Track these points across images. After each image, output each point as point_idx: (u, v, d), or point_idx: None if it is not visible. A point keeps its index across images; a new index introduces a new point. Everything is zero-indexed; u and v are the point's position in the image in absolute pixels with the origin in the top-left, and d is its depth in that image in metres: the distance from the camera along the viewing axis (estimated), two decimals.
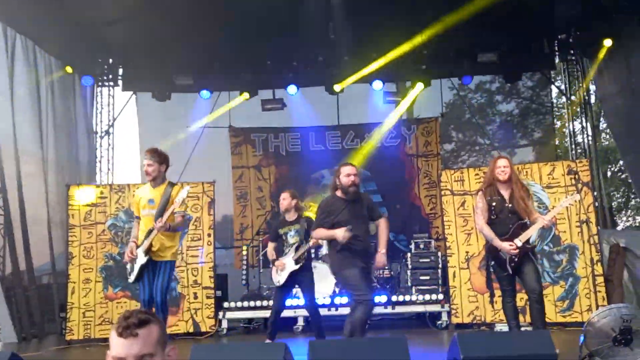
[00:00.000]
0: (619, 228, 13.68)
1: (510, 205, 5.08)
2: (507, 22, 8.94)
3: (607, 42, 8.86)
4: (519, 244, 4.96)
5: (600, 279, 6.99)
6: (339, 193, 5.08)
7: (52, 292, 8.36)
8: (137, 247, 5.16)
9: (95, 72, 9.85)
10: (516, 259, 4.99)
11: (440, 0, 8.25)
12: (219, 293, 8.12)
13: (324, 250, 8.34)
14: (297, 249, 6.01)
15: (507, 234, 5.01)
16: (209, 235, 8.02)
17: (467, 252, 7.47)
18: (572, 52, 10.04)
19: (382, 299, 7.75)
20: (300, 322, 7.76)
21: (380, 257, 5.09)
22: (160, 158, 5.26)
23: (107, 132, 10.20)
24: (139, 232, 5.28)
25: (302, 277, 6.05)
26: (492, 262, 5.19)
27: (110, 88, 10.29)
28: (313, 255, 8.27)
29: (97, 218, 7.83)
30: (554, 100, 12.15)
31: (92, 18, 8.40)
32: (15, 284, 7.72)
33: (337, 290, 7.87)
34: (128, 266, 5.30)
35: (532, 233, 5.07)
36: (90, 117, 10.01)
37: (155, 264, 5.17)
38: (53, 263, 8.47)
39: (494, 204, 5.12)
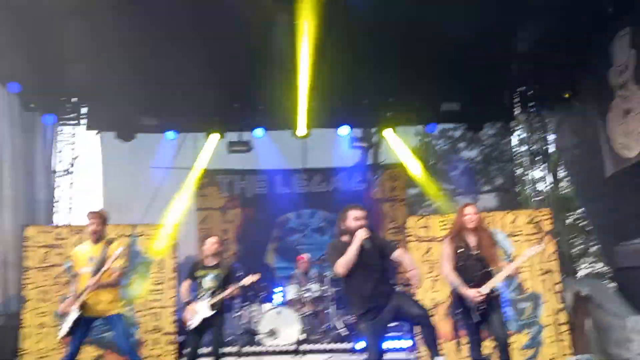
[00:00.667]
0: (579, 275, 13.94)
1: (476, 252, 5.13)
2: (470, 73, 9.24)
3: (565, 95, 9.21)
4: (486, 291, 4.99)
5: (564, 328, 7.07)
6: (345, 238, 4.88)
7: (5, 334, 7.92)
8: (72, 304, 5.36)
9: (58, 110, 9.65)
10: (482, 307, 5.01)
11: (406, 49, 8.46)
12: (180, 338, 7.86)
13: (289, 296, 8.23)
14: (213, 294, 5.96)
15: (473, 282, 5.05)
16: (171, 278, 7.83)
17: (433, 299, 7.45)
18: (531, 104, 10.38)
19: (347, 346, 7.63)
20: None
21: (414, 273, 4.82)
22: (103, 218, 5.75)
23: (68, 171, 9.94)
24: (76, 288, 5.50)
25: (213, 324, 5.99)
26: (459, 310, 5.19)
27: (73, 126, 10.07)
28: (281, 302, 8.16)
29: (54, 260, 7.56)
30: (515, 149, 12.48)
31: (56, 56, 8.28)
32: None
33: (299, 338, 7.71)
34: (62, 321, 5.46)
35: (498, 281, 5.10)
36: (50, 156, 9.75)
37: (110, 318, 5.44)
38: (7, 305, 8.08)
39: (460, 250, 5.17)
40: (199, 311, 5.96)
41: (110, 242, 5.63)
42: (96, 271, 5.35)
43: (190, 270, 6.26)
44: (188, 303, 6.10)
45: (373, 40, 8.18)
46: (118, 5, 7.26)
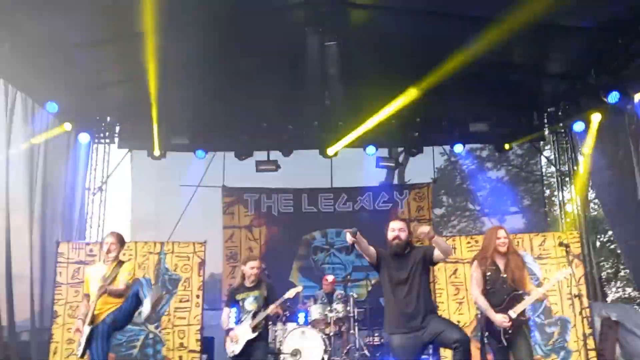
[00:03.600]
0: (608, 299, 13.64)
1: (505, 275, 5.07)
2: (498, 93, 9.23)
3: (595, 117, 9.10)
4: (513, 315, 4.92)
5: (592, 354, 6.93)
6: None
7: (31, 350, 8.10)
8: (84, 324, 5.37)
9: (92, 129, 9.93)
10: (510, 331, 4.95)
11: (434, 70, 8.50)
12: (205, 357, 7.93)
13: (313, 315, 8.23)
14: (254, 316, 5.85)
15: (501, 305, 4.99)
16: (197, 296, 7.92)
17: (458, 322, 7.38)
18: (560, 124, 10.29)
19: None
20: None
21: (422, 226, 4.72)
22: (123, 241, 5.81)
23: (100, 189, 10.18)
24: (85, 309, 5.50)
25: (257, 347, 5.84)
26: (487, 333, 5.13)
27: (106, 145, 10.34)
28: (303, 321, 8.16)
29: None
30: (544, 170, 12.35)
31: (95, 79, 8.55)
32: None
33: (323, 358, 7.68)
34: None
35: (526, 305, 5.04)
36: (83, 174, 10.01)
37: (97, 327, 5.40)
38: (33, 320, 8.25)
39: (489, 273, 5.11)
40: (241, 336, 5.83)
41: (121, 263, 5.64)
42: (102, 285, 5.40)
43: (230, 295, 6.14)
44: (228, 331, 5.93)
45: (400, 60, 8.26)
46: (150, 31, 7.49)
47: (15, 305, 7.83)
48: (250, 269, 5.99)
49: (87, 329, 5.33)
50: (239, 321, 5.93)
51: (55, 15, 6.83)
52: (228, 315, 6.00)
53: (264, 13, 7.48)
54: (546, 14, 6.80)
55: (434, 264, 4.91)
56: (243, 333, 5.85)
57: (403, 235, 4.79)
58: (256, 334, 5.82)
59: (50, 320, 7.73)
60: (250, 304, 5.91)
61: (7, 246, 7.76)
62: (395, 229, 4.81)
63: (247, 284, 6.01)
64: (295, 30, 7.58)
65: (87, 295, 5.56)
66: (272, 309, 5.90)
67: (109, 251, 5.61)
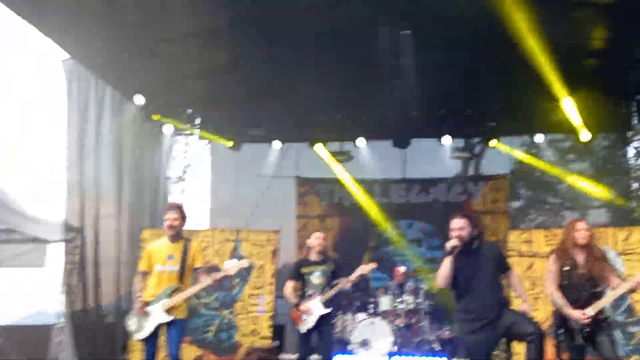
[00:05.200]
0: None
1: (584, 271, 4.86)
2: (583, 80, 8.79)
3: None
4: (592, 313, 4.69)
5: None
6: None
7: (116, 332, 8.61)
8: (147, 303, 5.12)
9: (175, 121, 10.39)
10: (588, 329, 4.74)
11: (514, 55, 8.23)
12: (276, 343, 8.13)
13: (383, 306, 8.24)
14: (323, 290, 5.73)
15: (579, 302, 4.78)
16: (270, 284, 8.13)
17: (533, 318, 7.15)
18: None
19: None
20: None
21: (525, 306, 4.86)
22: (184, 214, 5.40)
23: (180, 178, 10.63)
24: (145, 287, 5.23)
25: (328, 323, 5.74)
26: (562, 331, 4.95)
27: (187, 136, 10.77)
28: (372, 311, 8.20)
29: None
30: (632, 161, 11.65)
31: (178, 72, 8.91)
32: (83, 321, 7.99)
33: (392, 350, 7.68)
34: (132, 321, 5.25)
35: (606, 303, 4.79)
36: (166, 164, 10.49)
37: (174, 321, 5.15)
38: (119, 303, 8.73)
39: (566, 268, 4.90)
40: (314, 310, 5.70)
41: (188, 240, 5.32)
42: (182, 270, 5.13)
43: (294, 269, 6.03)
44: (297, 305, 5.81)
45: (477, 48, 8.05)
46: (230, 28, 7.74)
47: (103, 289, 8.35)
48: (316, 239, 5.90)
49: (165, 316, 5.08)
50: (304, 294, 5.84)
51: (143, 9, 7.15)
52: (293, 287, 5.91)
53: (339, 3, 7.50)
54: None
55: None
56: (315, 307, 5.72)
57: (464, 233, 4.68)
58: (330, 309, 5.73)
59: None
60: (317, 277, 5.81)
61: (95, 231, 8.30)
62: (455, 229, 4.68)
63: (313, 257, 5.89)
64: (368, 20, 7.55)
65: (145, 273, 5.26)
66: (345, 283, 5.76)
67: (171, 227, 5.24)
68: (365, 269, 6.12)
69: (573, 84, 8.80)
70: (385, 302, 8.28)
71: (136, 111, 9.18)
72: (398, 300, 8.25)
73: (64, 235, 7.87)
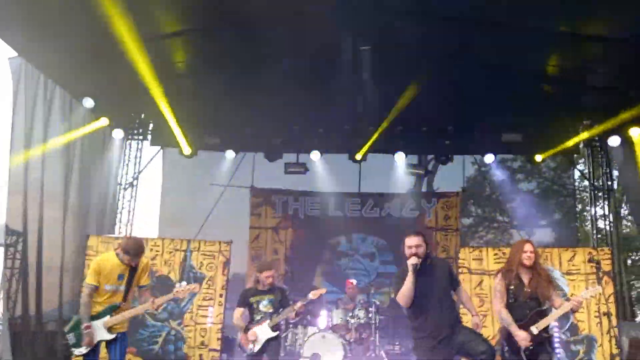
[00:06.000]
0: (638, 319, 13.26)
1: (529, 290, 4.98)
2: (533, 104, 9.08)
3: (633, 131, 8.87)
4: (535, 332, 4.82)
5: None
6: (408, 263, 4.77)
7: (57, 340, 8.28)
8: (92, 319, 4.99)
9: (126, 125, 10.13)
10: (531, 347, 4.86)
11: (470, 79, 8.43)
12: (225, 356, 7.98)
13: (335, 320, 8.21)
14: (271, 317, 6.02)
15: (524, 320, 4.89)
16: (220, 295, 7.99)
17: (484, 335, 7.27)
18: (596, 138, 10.07)
19: None
20: None
21: (476, 319, 4.95)
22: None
23: (132, 184, 10.37)
24: (90, 301, 5.04)
25: (274, 346, 6.04)
26: (507, 348, 5.04)
27: (139, 142, 10.53)
28: (324, 325, 8.16)
29: None
30: (576, 184, 12.10)
31: (131, 77, 8.71)
32: (22, 328, 7.68)
33: None
34: (71, 335, 5.10)
35: (549, 322, 4.93)
36: (116, 169, 10.22)
37: (116, 336, 5.07)
38: (61, 311, 8.43)
39: (512, 287, 5.02)
40: (261, 334, 5.99)
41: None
42: (127, 291, 5.06)
43: (242, 297, 6.27)
44: (246, 329, 6.06)
45: (435, 68, 8.20)
46: (187, 32, 7.63)
47: (44, 295, 8.02)
48: (265, 277, 6.14)
49: (107, 334, 4.98)
50: (252, 321, 6.10)
51: (96, 10, 6.97)
52: (241, 314, 6.16)
53: (297, 15, 7.52)
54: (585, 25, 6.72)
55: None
56: (263, 332, 5.98)
57: (421, 251, 4.70)
58: (276, 333, 6.02)
59: (77, 311, 7.88)
60: (265, 306, 6.09)
61: (39, 237, 7.97)
62: (412, 246, 4.69)
63: (260, 287, 6.18)
64: (329, 34, 7.59)
65: (96, 287, 5.01)
66: (294, 308, 6.04)
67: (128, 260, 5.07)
68: (315, 294, 6.28)
69: (525, 107, 9.09)
70: (336, 316, 8.25)
71: (86, 114, 8.91)
72: (349, 314, 8.23)
73: (4, 239, 7.53)
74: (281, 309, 6.08)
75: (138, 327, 7.70)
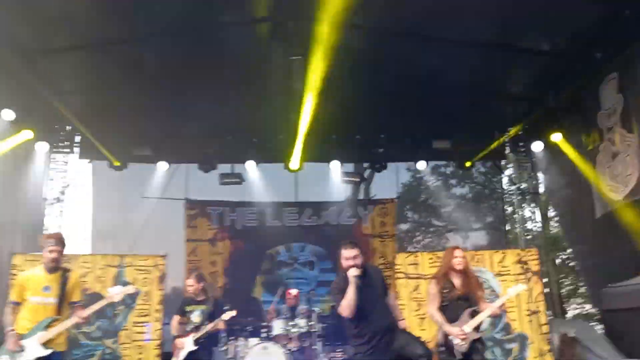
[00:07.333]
0: (568, 316, 13.89)
1: (460, 292, 5.18)
2: (461, 113, 9.40)
3: (555, 137, 9.32)
4: (468, 330, 5.02)
5: None
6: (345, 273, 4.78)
7: None
8: (21, 337, 4.75)
9: (52, 138, 9.70)
10: (464, 345, 5.02)
11: (398, 88, 8.62)
12: None
13: (276, 330, 8.15)
14: (198, 329, 6.12)
15: (456, 320, 5.08)
16: (156, 310, 7.75)
17: (420, 337, 7.38)
18: (521, 144, 10.52)
19: None
20: None
21: (403, 323, 5.04)
22: (64, 243, 5.07)
23: (59, 199, 9.92)
24: (15, 319, 4.82)
25: (200, 357, 6.13)
26: (443, 348, 5.19)
27: (65, 155, 10.09)
28: (265, 335, 8.08)
29: None
30: (505, 187, 12.58)
31: (53, 87, 8.38)
32: None
33: None
34: (3, 358, 4.79)
35: (480, 320, 5.13)
36: (41, 184, 9.75)
37: (51, 355, 4.82)
38: None
39: (445, 290, 5.22)
40: (185, 346, 6.07)
41: (66, 271, 5.03)
42: (60, 303, 4.85)
43: (180, 305, 6.40)
44: (176, 337, 6.21)
45: (367, 78, 8.34)
46: (112, 41, 7.42)
47: None
48: (189, 286, 6.35)
49: (42, 349, 4.74)
50: (185, 330, 6.24)
51: (12, 21, 6.68)
52: (177, 322, 6.33)
53: (230, 25, 7.48)
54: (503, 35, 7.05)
55: None
56: (187, 344, 6.08)
57: (359, 261, 4.75)
58: (197, 347, 6.09)
59: (1, 334, 7.44)
60: (196, 316, 6.17)
61: None
62: (349, 258, 4.74)
63: (198, 297, 6.29)
64: (261, 44, 7.58)
65: (17, 304, 4.84)
66: (211, 326, 6.17)
67: (53, 260, 4.91)
68: (226, 316, 6.36)
69: (452, 115, 9.40)
70: (277, 326, 8.18)
71: (6, 127, 8.47)
72: (291, 323, 8.18)
73: None
74: (206, 322, 6.13)
75: (71, 347, 7.32)
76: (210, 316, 6.15)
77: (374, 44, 7.72)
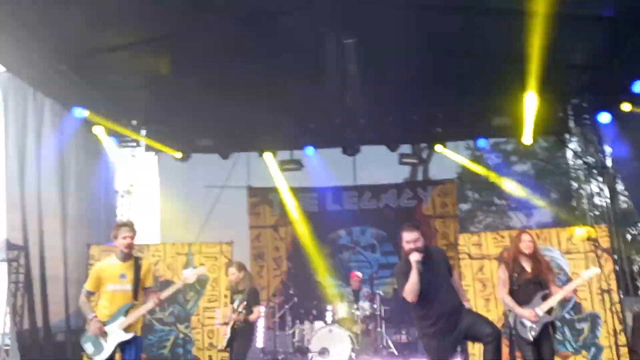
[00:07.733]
0: None
1: (530, 276, 5.13)
2: (521, 87, 9.12)
3: (625, 107, 8.91)
4: (540, 313, 4.98)
5: (624, 350, 6.84)
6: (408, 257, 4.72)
7: (66, 351, 8.30)
8: (104, 323, 4.98)
9: (119, 133, 10.12)
10: (537, 328, 4.96)
11: (456, 65, 8.46)
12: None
13: (340, 314, 8.26)
14: (237, 317, 6.26)
15: (528, 304, 5.05)
16: (225, 296, 8.02)
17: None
18: (586, 116, 10.12)
19: None
20: None
21: (467, 304, 4.93)
22: (135, 231, 5.25)
23: (128, 192, 10.37)
24: (92, 307, 5.10)
25: (239, 342, 6.26)
26: (514, 331, 5.15)
27: (132, 148, 10.51)
28: (330, 319, 8.21)
29: None
30: (570, 162, 12.17)
31: (120, 84, 8.71)
32: (31, 341, 7.69)
33: (353, 356, 7.72)
34: (88, 344, 5.04)
35: (553, 303, 5.06)
36: (112, 177, 10.21)
37: (132, 339, 5.06)
38: (68, 321, 8.45)
39: (515, 274, 5.20)
40: (227, 332, 6.31)
41: (138, 258, 5.25)
42: (135, 288, 5.06)
43: (230, 294, 6.66)
44: (222, 324, 6.50)
45: (423, 56, 8.23)
46: (174, 38, 7.63)
47: (51, 307, 8.04)
48: (230, 275, 6.47)
49: (124, 334, 4.98)
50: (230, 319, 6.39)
51: (79, 19, 6.96)
52: (228, 310, 6.49)
53: (283, 13, 7.53)
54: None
55: None
56: (228, 331, 6.32)
57: (420, 244, 4.70)
58: (233, 335, 6.24)
59: (84, 321, 7.90)
60: (236, 304, 6.31)
61: (40, 249, 7.98)
62: (410, 241, 4.68)
63: (239, 286, 6.43)
64: (314, 29, 7.60)
65: (91, 293, 5.11)
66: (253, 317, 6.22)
67: (127, 247, 5.11)
68: (253, 317, 6.32)
69: (513, 88, 9.13)
70: (342, 310, 8.31)
71: (77, 123, 8.89)
72: (355, 307, 8.28)
73: (5, 254, 7.53)
74: (243, 311, 6.22)
75: (146, 332, 7.73)
76: (248, 305, 6.23)
77: (433, 22, 7.58)
